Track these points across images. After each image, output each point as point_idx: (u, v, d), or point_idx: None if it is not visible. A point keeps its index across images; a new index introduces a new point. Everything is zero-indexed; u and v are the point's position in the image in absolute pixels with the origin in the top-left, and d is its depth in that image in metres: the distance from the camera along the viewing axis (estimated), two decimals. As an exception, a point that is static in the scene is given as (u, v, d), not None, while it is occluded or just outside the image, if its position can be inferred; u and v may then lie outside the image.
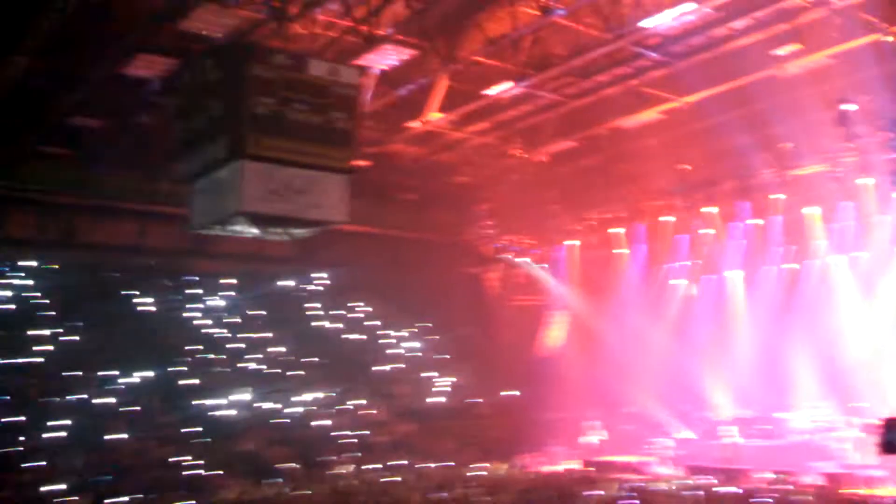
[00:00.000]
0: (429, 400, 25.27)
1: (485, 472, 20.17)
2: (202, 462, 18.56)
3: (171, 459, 18.42)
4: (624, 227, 24.84)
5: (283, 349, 24.21)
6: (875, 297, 21.79)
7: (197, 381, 21.49)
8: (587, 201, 24.88)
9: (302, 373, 23.54)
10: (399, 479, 19.03)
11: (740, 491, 16.56)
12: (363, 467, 20.14)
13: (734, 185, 21.54)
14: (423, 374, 26.08)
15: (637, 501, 15.74)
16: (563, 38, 17.41)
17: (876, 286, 21.82)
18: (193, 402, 20.73)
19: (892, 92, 17.24)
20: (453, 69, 17.87)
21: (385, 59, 16.28)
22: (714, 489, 16.84)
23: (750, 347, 23.91)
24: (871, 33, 15.93)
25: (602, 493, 16.36)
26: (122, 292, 23.80)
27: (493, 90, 18.33)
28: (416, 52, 16.44)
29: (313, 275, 26.75)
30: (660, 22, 15.31)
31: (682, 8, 14.82)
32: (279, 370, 23.41)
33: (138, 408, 19.89)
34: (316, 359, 24.22)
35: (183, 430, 19.64)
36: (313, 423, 21.90)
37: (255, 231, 14.67)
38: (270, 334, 24.59)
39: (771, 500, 15.30)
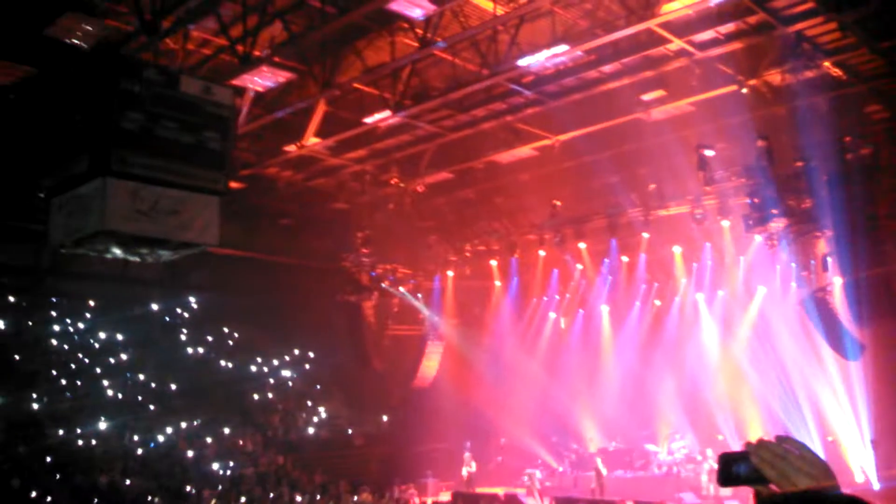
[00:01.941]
0: (300, 430, 24.74)
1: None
2: (51, 496, 17.41)
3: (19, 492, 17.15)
4: (497, 260, 25.22)
5: (147, 376, 23.15)
6: (733, 334, 22.98)
7: (50, 409, 20.26)
8: (462, 233, 25.13)
9: (167, 401, 22.57)
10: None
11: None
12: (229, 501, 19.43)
13: (602, 223, 22.13)
14: (295, 404, 25.55)
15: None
16: (442, 71, 17.67)
17: (733, 323, 23.02)
18: (46, 431, 19.51)
19: (747, 140, 18.22)
20: (331, 95, 17.73)
21: (261, 80, 15.99)
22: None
23: (617, 380, 24.73)
24: (729, 84, 16.90)
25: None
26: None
27: (372, 118, 18.30)
28: (293, 75, 16.21)
29: (182, 299, 25.79)
30: (534, 61, 15.69)
31: (555, 49, 15.27)
32: (142, 398, 22.36)
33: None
34: (181, 386, 23.30)
35: (32, 462, 18.38)
36: (176, 454, 21.00)
37: (118, 251, 14.01)
38: (135, 360, 23.49)
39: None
